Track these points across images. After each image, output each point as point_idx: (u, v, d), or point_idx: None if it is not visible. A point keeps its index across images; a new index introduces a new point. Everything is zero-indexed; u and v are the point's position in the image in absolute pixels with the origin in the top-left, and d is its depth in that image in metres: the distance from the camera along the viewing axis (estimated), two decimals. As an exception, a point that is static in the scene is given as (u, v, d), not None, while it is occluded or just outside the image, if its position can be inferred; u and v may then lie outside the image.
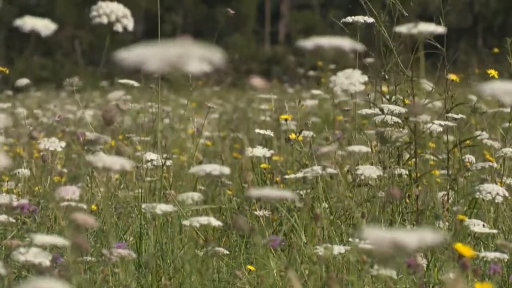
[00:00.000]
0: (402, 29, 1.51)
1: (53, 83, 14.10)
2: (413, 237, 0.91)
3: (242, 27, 26.06)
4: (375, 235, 0.90)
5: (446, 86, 2.69)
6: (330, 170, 2.05)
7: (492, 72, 2.62)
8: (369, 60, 2.84)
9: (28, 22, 1.42)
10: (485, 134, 3.01)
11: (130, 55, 0.93)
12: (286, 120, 2.89)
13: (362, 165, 2.32)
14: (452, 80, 2.69)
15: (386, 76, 2.70)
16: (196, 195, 2.14)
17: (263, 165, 3.02)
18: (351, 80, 1.46)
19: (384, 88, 2.83)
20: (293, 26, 27.24)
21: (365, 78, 1.45)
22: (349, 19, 2.36)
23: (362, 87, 1.42)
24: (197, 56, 0.92)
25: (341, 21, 2.43)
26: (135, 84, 3.17)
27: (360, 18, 2.38)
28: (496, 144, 3.07)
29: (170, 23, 25.75)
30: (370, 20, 2.36)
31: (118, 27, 1.45)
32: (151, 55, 0.92)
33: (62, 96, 11.51)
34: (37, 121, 6.24)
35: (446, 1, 2.75)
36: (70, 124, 5.96)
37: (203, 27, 25.06)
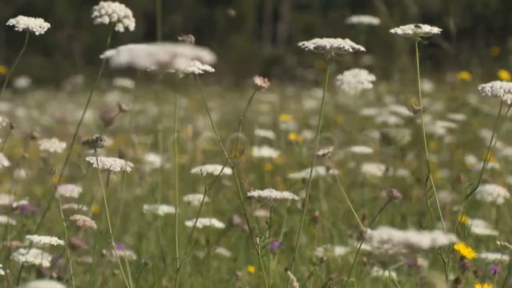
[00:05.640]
0: (398, 30, 1.50)
1: (52, 83, 14.07)
2: (425, 238, 0.90)
3: (242, 27, 26.05)
4: (383, 236, 0.89)
5: (452, 86, 2.69)
6: (333, 171, 2.05)
7: (503, 74, 2.61)
8: (367, 60, 2.84)
9: (22, 21, 1.42)
10: (489, 134, 3.00)
11: (120, 54, 0.93)
12: (286, 121, 2.89)
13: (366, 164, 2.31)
14: (461, 78, 2.69)
15: (395, 76, 2.71)
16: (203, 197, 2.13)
17: (267, 166, 3.01)
18: (358, 78, 1.45)
19: (385, 88, 2.83)
20: (293, 26, 27.23)
21: (372, 77, 1.45)
22: (354, 19, 2.36)
23: (370, 86, 1.42)
24: (187, 55, 0.92)
25: (345, 21, 2.42)
26: (131, 86, 3.16)
27: (365, 19, 2.37)
28: (500, 145, 3.06)
29: (170, 23, 25.75)
30: (376, 21, 2.36)
31: (120, 27, 1.45)
32: (141, 53, 0.92)
33: (61, 96, 11.48)
34: (36, 121, 6.23)
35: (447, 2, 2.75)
36: (68, 124, 5.95)
37: (203, 27, 25.05)
